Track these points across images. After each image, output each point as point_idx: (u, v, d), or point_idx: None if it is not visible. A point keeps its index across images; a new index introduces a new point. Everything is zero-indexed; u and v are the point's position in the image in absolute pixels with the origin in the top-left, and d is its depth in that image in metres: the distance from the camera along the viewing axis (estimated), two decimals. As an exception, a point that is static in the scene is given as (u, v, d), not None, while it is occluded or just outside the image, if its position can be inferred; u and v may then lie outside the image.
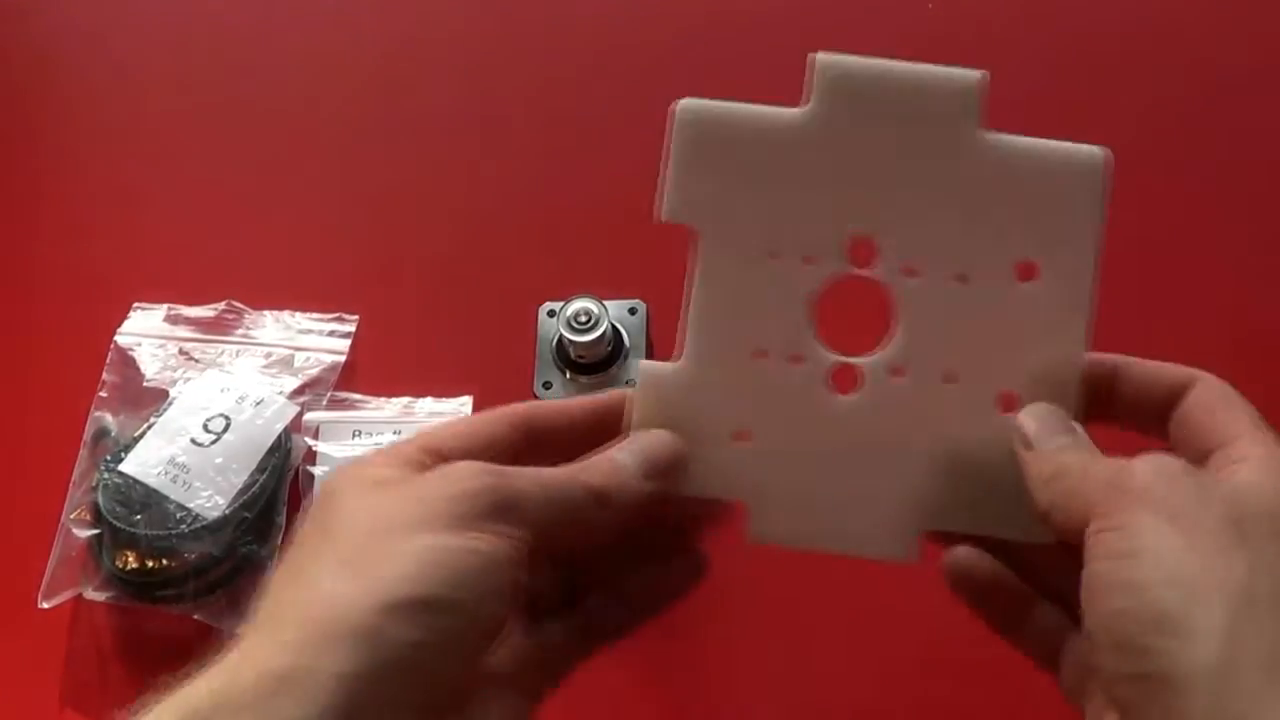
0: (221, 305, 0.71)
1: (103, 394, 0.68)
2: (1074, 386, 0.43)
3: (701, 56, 0.77)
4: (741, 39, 0.78)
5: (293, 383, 0.68)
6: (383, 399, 0.68)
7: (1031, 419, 0.42)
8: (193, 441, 0.63)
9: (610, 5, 0.81)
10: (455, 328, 0.71)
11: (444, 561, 0.36)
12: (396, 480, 0.39)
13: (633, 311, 0.62)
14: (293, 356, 0.69)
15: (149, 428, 0.64)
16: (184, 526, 0.61)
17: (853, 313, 0.43)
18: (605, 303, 0.61)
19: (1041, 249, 0.43)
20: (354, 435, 0.66)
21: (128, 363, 0.69)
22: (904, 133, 0.44)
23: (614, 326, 0.61)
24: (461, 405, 0.67)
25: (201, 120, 0.79)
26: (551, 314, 0.62)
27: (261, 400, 0.66)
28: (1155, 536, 0.36)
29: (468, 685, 0.38)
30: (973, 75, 0.44)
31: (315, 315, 0.71)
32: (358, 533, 0.37)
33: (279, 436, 0.65)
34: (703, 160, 0.44)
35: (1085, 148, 0.44)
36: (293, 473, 0.65)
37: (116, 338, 0.70)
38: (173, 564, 0.61)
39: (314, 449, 0.66)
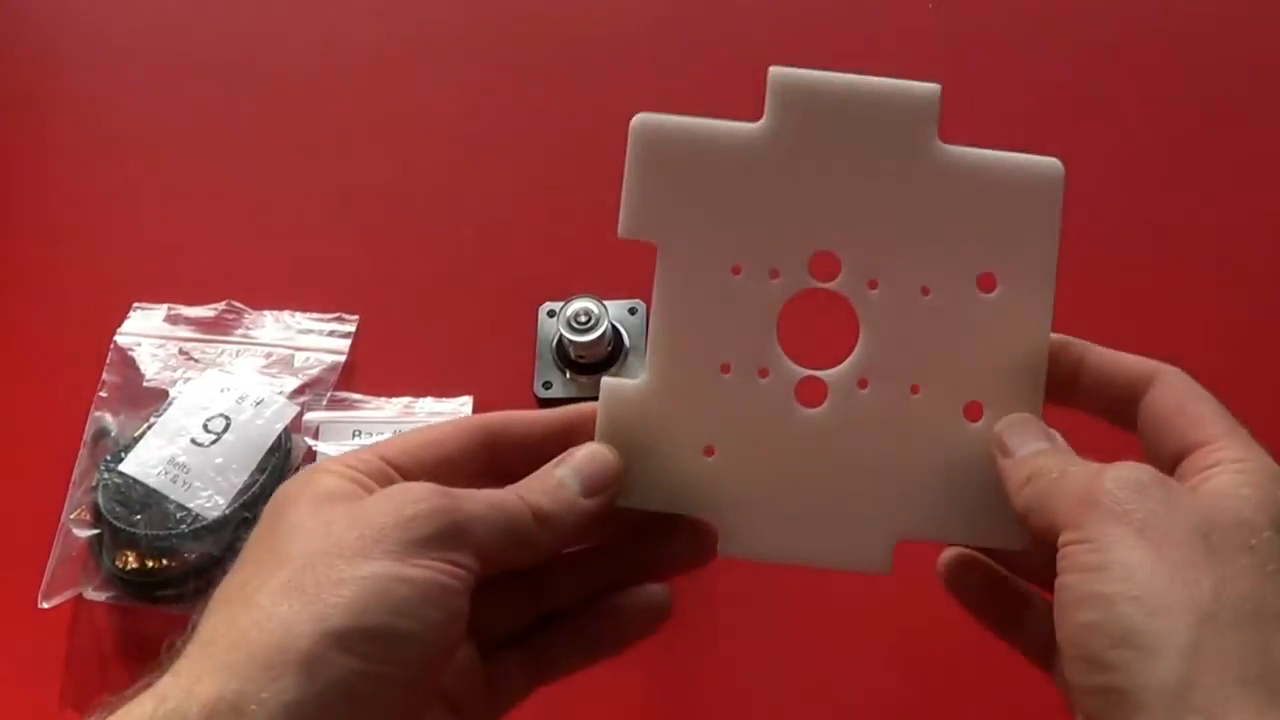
0: (221, 305, 0.71)
1: (103, 394, 0.68)
2: (1038, 393, 0.43)
3: (703, 56, 0.77)
4: (744, 38, 0.78)
5: (293, 383, 0.68)
6: (383, 399, 0.68)
7: (1009, 427, 0.42)
8: (193, 441, 0.63)
9: (611, 6, 0.81)
10: (455, 328, 0.71)
11: (388, 590, 0.35)
12: (348, 495, 0.38)
13: (633, 311, 0.62)
14: (293, 356, 0.69)
15: (149, 428, 0.64)
16: (184, 526, 0.61)
17: (816, 326, 0.43)
18: (605, 303, 0.61)
19: (1002, 260, 0.43)
20: (354, 435, 0.66)
21: (128, 363, 0.69)
22: (862, 147, 0.43)
23: (614, 326, 0.61)
24: (461, 405, 0.67)
25: (202, 120, 0.79)
26: (551, 314, 0.62)
27: (261, 400, 0.66)
28: (1123, 549, 0.36)
29: (414, 711, 0.38)
30: (932, 88, 0.43)
31: (315, 315, 0.71)
32: (304, 554, 0.37)
33: (279, 436, 0.65)
34: (660, 176, 0.43)
35: (1042, 160, 0.43)
36: (293, 473, 0.65)
37: (116, 338, 0.69)
38: (173, 564, 0.61)
39: (314, 449, 0.66)
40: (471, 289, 0.72)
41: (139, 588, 0.62)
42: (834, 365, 0.43)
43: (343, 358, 0.69)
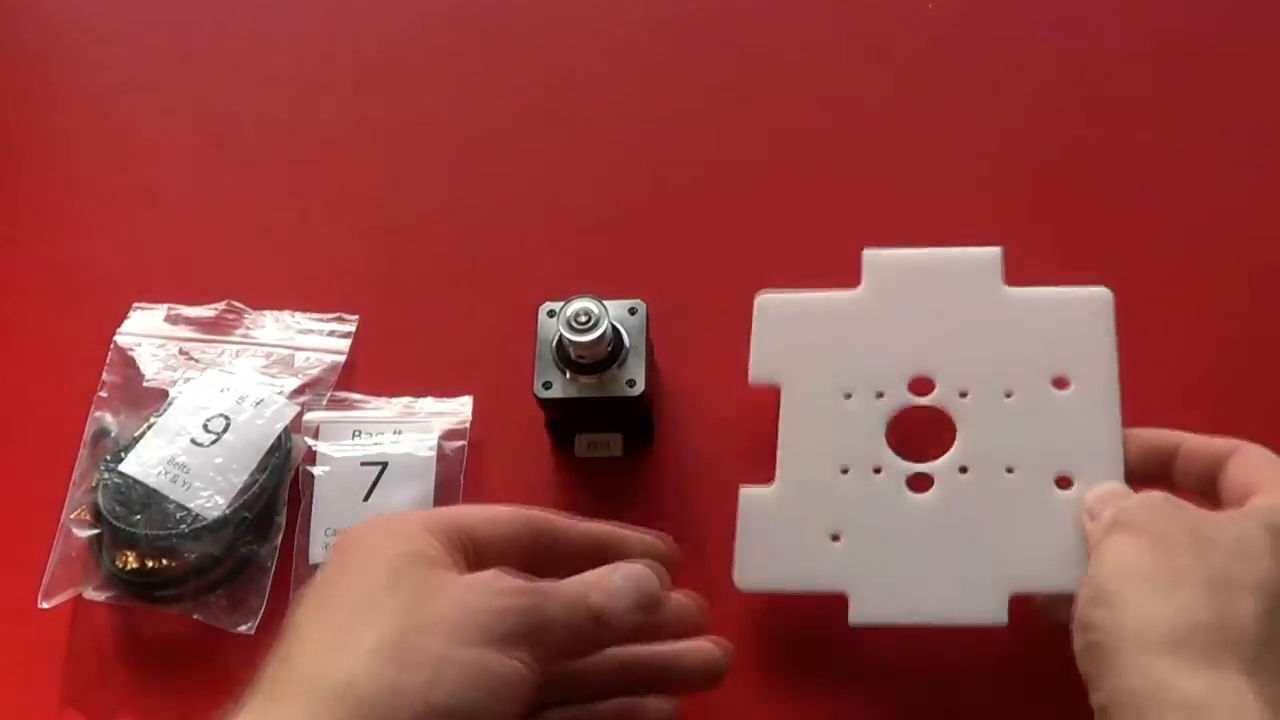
0: (221, 305, 0.71)
1: (103, 394, 0.68)
2: (1119, 463, 0.51)
3: (702, 56, 0.77)
4: (743, 35, 0.78)
5: (293, 383, 0.68)
6: (383, 399, 0.68)
7: (1093, 495, 0.50)
8: (193, 441, 0.63)
9: (610, 6, 0.81)
10: (455, 328, 0.71)
11: (484, 675, 0.39)
12: (438, 563, 0.42)
13: (633, 311, 0.62)
14: (293, 356, 0.69)
15: (149, 428, 0.64)
16: (184, 526, 0.61)
17: (917, 432, 0.52)
18: (605, 303, 0.60)
19: (1071, 366, 0.54)
20: (354, 435, 0.66)
21: (128, 363, 0.69)
22: (942, 297, 0.56)
23: (614, 326, 0.61)
24: (461, 405, 0.67)
25: (202, 119, 0.79)
26: (551, 314, 0.62)
27: (261, 400, 0.66)
28: (1120, 546, 0.45)
29: None
30: (994, 251, 0.56)
31: (315, 315, 0.71)
32: (400, 619, 0.39)
33: (279, 436, 0.65)
34: (779, 332, 0.57)
35: (1094, 291, 0.55)
36: (293, 473, 0.65)
37: (116, 338, 0.69)
38: (173, 564, 0.61)
39: (314, 449, 0.66)
40: (471, 289, 0.72)
41: (139, 588, 0.62)
42: (935, 458, 0.53)
43: (343, 358, 0.69)
